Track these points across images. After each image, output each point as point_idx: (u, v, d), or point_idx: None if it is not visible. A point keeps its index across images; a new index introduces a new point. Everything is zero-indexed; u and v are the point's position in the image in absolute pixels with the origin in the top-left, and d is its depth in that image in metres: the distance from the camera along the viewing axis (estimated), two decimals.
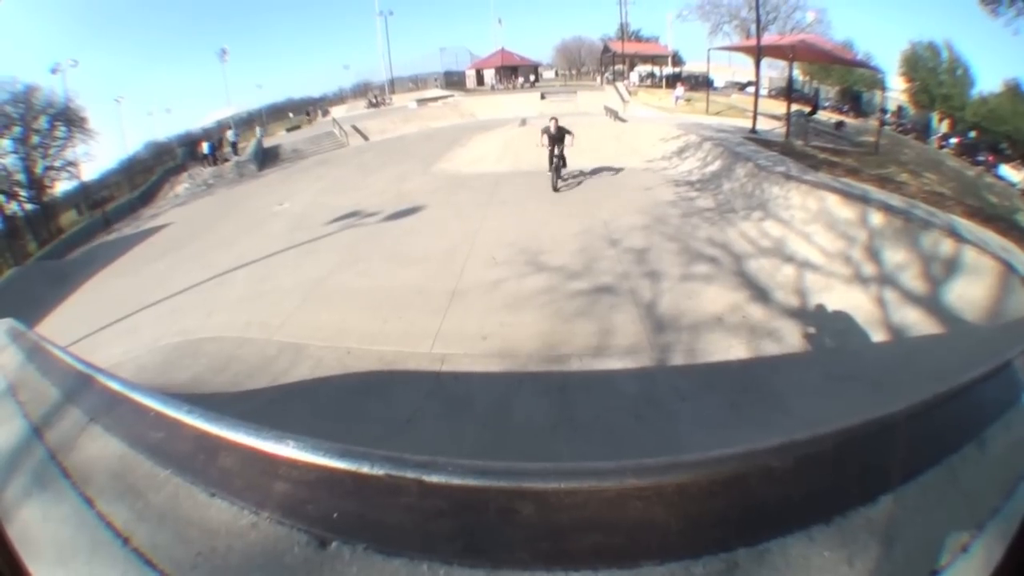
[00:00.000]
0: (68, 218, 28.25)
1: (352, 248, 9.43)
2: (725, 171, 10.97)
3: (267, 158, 25.00)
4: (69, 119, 28.90)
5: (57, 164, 28.70)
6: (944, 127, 44.19)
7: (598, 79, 36.36)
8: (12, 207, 26.75)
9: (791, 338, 5.91)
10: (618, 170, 13.21)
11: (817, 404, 4.52)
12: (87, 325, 8.47)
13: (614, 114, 20.07)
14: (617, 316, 6.16)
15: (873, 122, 26.77)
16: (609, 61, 35.95)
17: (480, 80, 45.09)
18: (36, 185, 27.68)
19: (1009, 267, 5.86)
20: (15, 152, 26.93)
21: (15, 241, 25.70)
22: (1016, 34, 10.15)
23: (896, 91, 49.32)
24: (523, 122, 16.76)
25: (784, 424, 4.26)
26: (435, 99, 32.96)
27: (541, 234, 8.79)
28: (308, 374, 5.51)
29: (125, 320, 8.46)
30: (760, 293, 6.74)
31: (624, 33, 34.17)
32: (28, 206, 27.24)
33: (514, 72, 41.08)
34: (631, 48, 34.35)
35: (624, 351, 5.54)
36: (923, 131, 38.45)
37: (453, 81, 44.23)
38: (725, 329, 5.97)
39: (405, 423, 4.56)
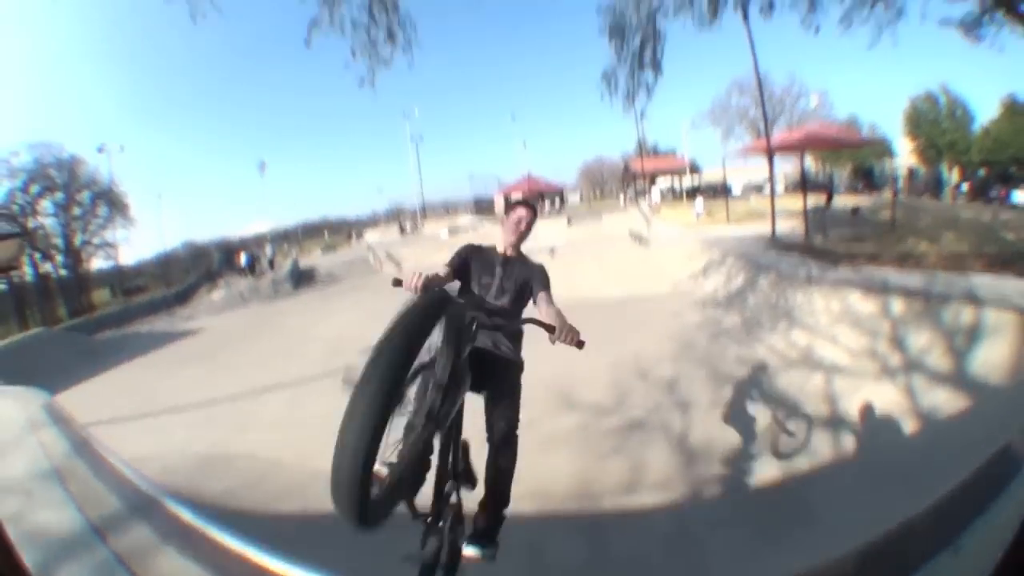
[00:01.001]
0: (100, 296, 29.61)
1: None
2: (749, 285, 11.22)
3: (303, 278, 25.83)
4: (111, 201, 30.72)
5: (95, 241, 30.54)
6: (955, 175, 44.94)
7: (621, 198, 37.44)
8: (47, 267, 28.13)
9: (823, 448, 5.93)
10: (646, 297, 13.45)
11: (850, 514, 4.42)
12: (113, 409, 8.78)
13: (639, 238, 20.63)
14: (648, 451, 6.22)
15: (887, 194, 27.63)
16: (630, 179, 37.14)
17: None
18: (73, 254, 29.13)
19: None
20: (55, 216, 28.50)
21: (46, 302, 27.03)
22: (1001, 51, 10.71)
23: (905, 153, 50.45)
24: (552, 252, 17.27)
25: (819, 544, 4.10)
26: (465, 228, 34.10)
27: (573, 371, 8.57)
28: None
29: (155, 416, 8.73)
30: (791, 408, 6.77)
31: (642, 149, 35.42)
32: (63, 271, 28.71)
33: (541, 197, 42.69)
34: (650, 165, 35.59)
35: (656, 486, 5.59)
36: (936, 188, 39.14)
37: (483, 207, 45.99)
38: (757, 451, 5.99)
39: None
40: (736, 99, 46.85)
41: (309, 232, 51.76)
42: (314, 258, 34.07)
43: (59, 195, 28.53)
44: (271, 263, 30.18)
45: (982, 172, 43.62)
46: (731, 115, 47.81)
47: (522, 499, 5.43)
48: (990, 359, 5.93)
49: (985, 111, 49.41)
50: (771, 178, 18.59)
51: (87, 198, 29.98)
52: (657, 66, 11.21)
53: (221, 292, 25.74)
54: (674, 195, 33.88)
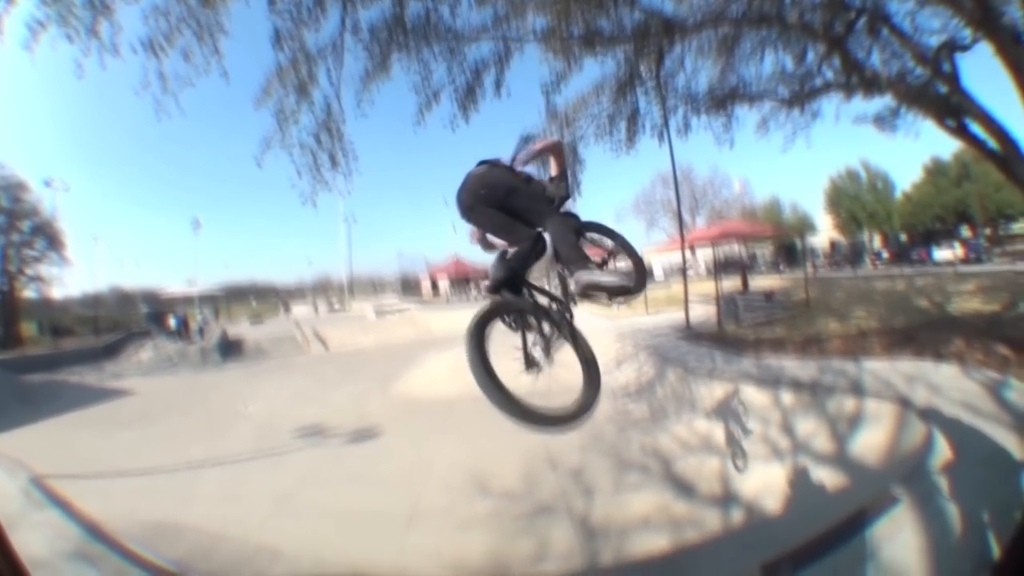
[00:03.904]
0: (28, 329, 29.03)
1: (317, 466, 10.12)
2: (658, 378, 11.85)
3: (231, 349, 25.73)
4: (50, 236, 30.46)
5: (28, 272, 30.07)
6: (876, 243, 47.29)
7: (545, 284, 38.55)
8: None
9: (711, 524, 6.83)
10: (560, 391, 13.97)
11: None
12: (54, 465, 9.01)
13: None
14: (554, 531, 6.96)
15: (808, 269, 29.24)
16: (555, 266, 38.29)
17: (435, 287, 47.35)
18: (8, 277, 28.75)
19: (904, 404, 7.16)
20: None
21: None
22: (916, 137, 11.27)
23: (826, 228, 52.94)
24: None
25: None
26: (392, 310, 34.41)
27: (488, 461, 9.40)
28: (287, 574, 6.24)
29: (96, 479, 8.98)
30: (685, 489, 7.67)
31: None
32: None
33: (467, 282, 43.30)
34: None
35: (561, 557, 6.40)
36: (856, 258, 41.21)
37: (409, 286, 46.28)
38: (651, 528, 6.82)
39: None
40: (660, 191, 49.53)
41: (236, 295, 50.99)
42: (242, 328, 33.77)
43: (0, 217, 28.31)
44: (201, 331, 29.88)
45: (903, 238, 46.65)
46: (654, 207, 50.40)
47: (444, 571, 6.26)
48: (869, 441, 7.07)
49: (908, 175, 52.47)
50: (684, 280, 19.53)
51: (27, 228, 29.74)
52: (577, 188, 11.24)
53: (149, 353, 25.50)
54: None
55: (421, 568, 6.33)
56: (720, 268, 23.22)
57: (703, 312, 18.21)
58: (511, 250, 4.00)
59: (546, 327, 3.98)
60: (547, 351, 3.95)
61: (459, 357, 12.29)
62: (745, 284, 23.93)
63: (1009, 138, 8.80)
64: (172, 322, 28.59)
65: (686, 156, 61.44)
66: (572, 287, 3.61)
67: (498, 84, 9.48)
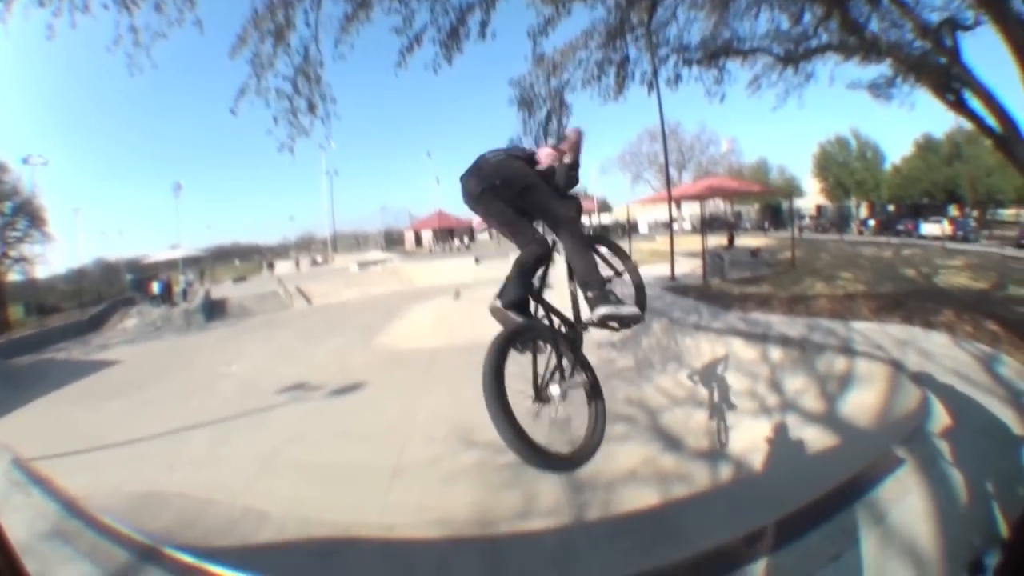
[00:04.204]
0: (15, 312, 28.54)
1: (301, 422, 10.08)
2: (643, 328, 11.67)
3: (214, 310, 25.61)
4: (31, 214, 30.27)
5: (12, 255, 29.91)
6: (863, 210, 47.32)
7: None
8: None
9: (700, 478, 6.77)
10: None
11: (724, 534, 5.14)
12: (42, 446, 8.85)
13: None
14: (539, 483, 6.79)
15: (795, 232, 28.41)
16: None
17: (418, 240, 46.90)
18: None
19: (896, 366, 6.97)
20: None
21: None
22: (912, 109, 10.95)
23: (813, 192, 52.94)
24: (457, 295, 17.66)
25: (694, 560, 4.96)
26: (375, 263, 34.23)
27: (473, 411, 9.19)
28: (273, 537, 6.08)
29: (84, 454, 8.93)
30: (672, 443, 7.61)
31: None
32: None
33: (451, 234, 42.96)
34: None
35: (547, 512, 6.30)
36: (841, 225, 41.20)
37: (393, 240, 45.88)
38: (638, 481, 6.76)
39: None
40: (647, 145, 49.16)
41: (220, 257, 50.60)
42: (225, 288, 33.52)
43: None
44: (185, 293, 29.60)
45: (891, 208, 46.66)
46: (640, 160, 50.05)
47: (429, 527, 6.17)
48: (860, 401, 6.95)
49: (898, 150, 52.10)
50: (671, 229, 19.43)
51: (8, 208, 29.32)
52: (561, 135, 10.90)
53: (134, 320, 25.37)
54: None
55: (406, 522, 6.27)
56: (706, 224, 23.10)
57: (688, 266, 18.19)
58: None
59: (562, 355, 3.60)
60: (562, 384, 3.52)
61: (442, 308, 13.99)
62: (731, 240, 23.93)
63: (1009, 118, 8.57)
64: (155, 287, 28.29)
65: (675, 112, 60.97)
66: (589, 315, 3.39)
67: (483, 26, 9.08)
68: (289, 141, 9.06)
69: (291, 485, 7.45)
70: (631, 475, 6.92)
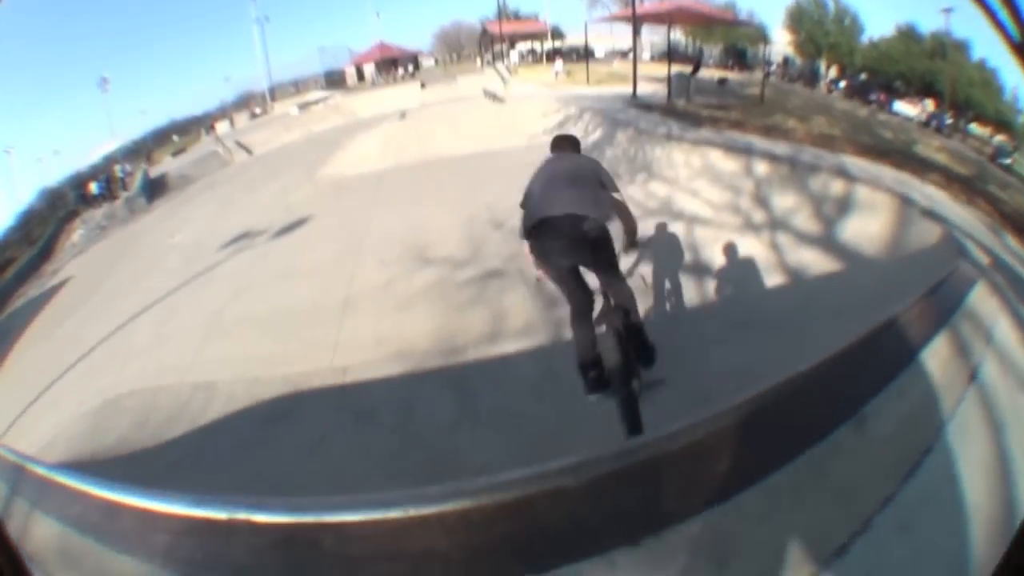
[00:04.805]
0: None
1: (245, 273, 9.41)
2: (607, 139, 11.14)
3: (155, 189, 24.26)
4: None
5: None
6: (833, 72, 45.96)
7: (478, 61, 36.60)
8: None
9: (687, 293, 6.16)
10: (499, 151, 13.08)
11: (719, 354, 4.78)
12: (17, 407, 7.80)
13: (493, 96, 20.45)
14: (507, 298, 6.32)
15: (759, 73, 27.70)
16: (488, 43, 36.08)
17: (361, 76, 44.26)
18: None
19: (905, 200, 6.16)
20: None
21: None
22: None
23: (781, 44, 51.01)
24: (402, 115, 16.86)
25: (688, 380, 4.29)
26: (316, 102, 32.61)
27: (427, 227, 8.85)
28: (222, 411, 5.49)
29: (47, 393, 7.94)
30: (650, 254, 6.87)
31: (502, 13, 34.35)
32: None
33: (394, 64, 40.49)
34: (508, 28, 34.51)
35: (518, 332, 5.74)
36: (811, 78, 39.80)
37: (334, 80, 43.29)
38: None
39: (318, 442, 4.66)
40: None
41: (159, 139, 47.96)
42: (164, 164, 31.99)
43: None
44: (123, 183, 27.95)
45: (863, 76, 44.42)
46: None
47: (387, 363, 5.59)
48: (862, 230, 6.17)
49: (878, 30, 49.55)
50: (635, 42, 18.51)
51: None
52: None
53: (80, 230, 23.96)
54: (534, 58, 33.40)
55: (361, 362, 5.73)
56: (670, 51, 21.85)
57: (650, 89, 17.11)
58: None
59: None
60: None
61: (388, 132, 13.56)
62: (696, 68, 22.83)
63: None
64: (94, 188, 26.51)
65: None
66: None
67: None
68: None
69: (239, 346, 6.87)
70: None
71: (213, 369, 6.39)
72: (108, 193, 26.26)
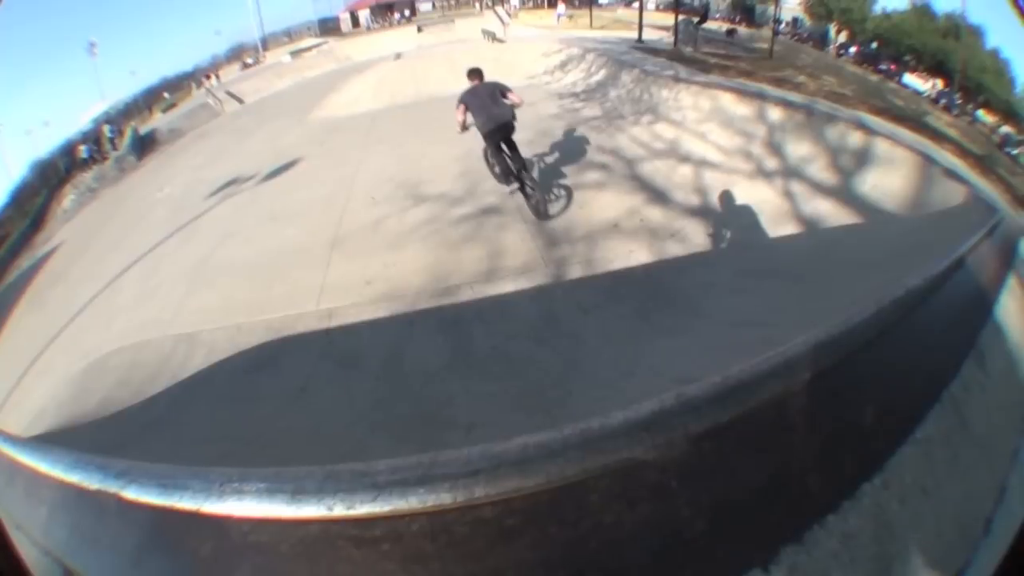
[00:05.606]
0: None
1: (231, 218, 9.15)
2: (611, 79, 10.76)
3: (145, 146, 23.95)
4: None
5: None
6: (843, 37, 44.94)
7: (477, 6, 35.81)
8: None
9: (696, 237, 5.84)
10: None
11: (735, 303, 4.41)
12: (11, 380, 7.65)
13: (492, 36, 20.10)
14: (506, 236, 6.07)
15: (767, 31, 26.92)
16: None
17: (356, 22, 43.44)
18: None
19: (927, 158, 5.68)
20: None
21: None
22: None
23: (792, 3, 49.95)
24: (397, 56, 16.54)
25: (702, 329, 4.12)
26: (309, 48, 32.10)
27: (420, 164, 8.56)
28: (203, 362, 5.21)
29: (38, 361, 7.74)
30: (658, 195, 6.64)
31: None
32: None
33: (389, 9, 39.70)
34: None
35: (517, 271, 5.45)
36: (820, 40, 38.88)
37: (328, 28, 42.53)
38: (623, 235, 5.87)
39: (299, 392, 4.33)
40: None
41: (151, 98, 47.44)
42: (154, 120, 31.64)
43: None
44: (112, 142, 27.46)
45: (874, 44, 43.41)
46: None
47: (375, 306, 5.29)
48: (880, 183, 5.77)
49: (891, 2, 48.33)
50: None
51: None
52: None
53: (70, 196, 23.69)
54: (536, 3, 32.72)
55: (348, 305, 5.47)
56: (677, 1, 21.31)
57: (654, 36, 16.58)
58: None
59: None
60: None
61: (382, 73, 13.11)
62: (704, 17, 22.14)
63: None
64: (82, 151, 26.08)
65: None
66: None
67: None
68: None
69: (222, 294, 6.58)
70: (614, 228, 6.02)
71: (196, 319, 6.11)
72: (98, 155, 25.84)
